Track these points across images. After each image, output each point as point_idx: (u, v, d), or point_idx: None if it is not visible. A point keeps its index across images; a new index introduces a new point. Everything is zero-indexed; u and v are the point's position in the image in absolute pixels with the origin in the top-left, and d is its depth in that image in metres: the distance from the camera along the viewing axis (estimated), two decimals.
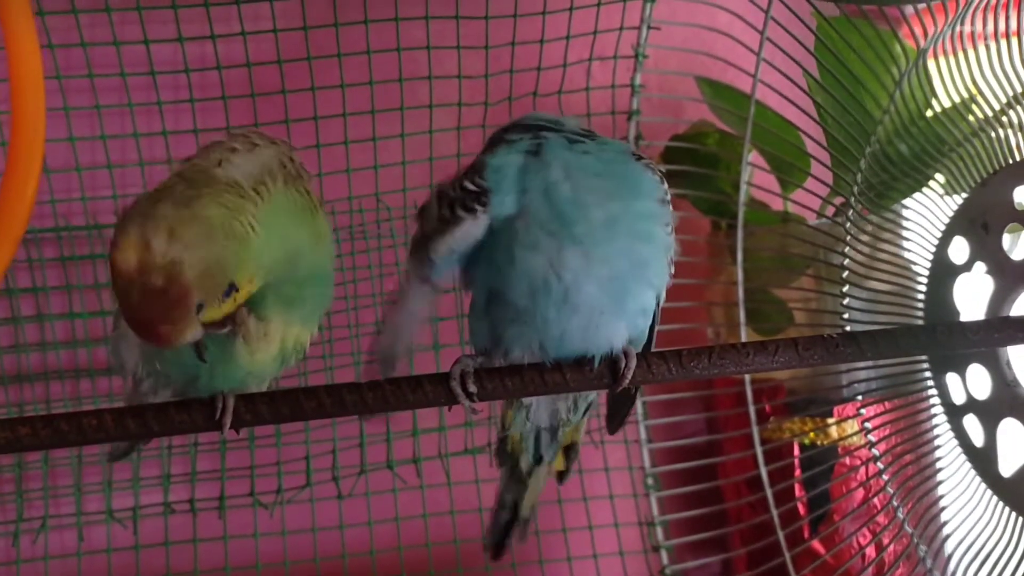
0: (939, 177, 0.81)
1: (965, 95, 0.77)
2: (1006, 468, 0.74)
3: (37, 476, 0.89)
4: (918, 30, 0.78)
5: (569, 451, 0.69)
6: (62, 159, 0.88)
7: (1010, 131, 0.73)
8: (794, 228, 0.96)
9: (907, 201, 0.84)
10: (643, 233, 0.57)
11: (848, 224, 0.86)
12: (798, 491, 0.95)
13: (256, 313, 0.53)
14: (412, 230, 0.97)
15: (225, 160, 0.51)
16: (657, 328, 0.63)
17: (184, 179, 0.48)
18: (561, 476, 0.70)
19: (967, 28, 0.75)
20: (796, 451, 0.96)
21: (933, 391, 0.80)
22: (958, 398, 0.78)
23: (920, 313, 0.81)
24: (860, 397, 0.91)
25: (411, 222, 0.98)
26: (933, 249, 0.80)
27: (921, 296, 0.81)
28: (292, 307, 0.55)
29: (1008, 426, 0.74)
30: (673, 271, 0.62)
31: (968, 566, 0.75)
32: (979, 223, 0.75)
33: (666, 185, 0.60)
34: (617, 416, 0.69)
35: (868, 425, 0.89)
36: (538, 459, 0.66)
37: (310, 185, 0.56)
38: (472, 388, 0.58)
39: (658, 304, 0.61)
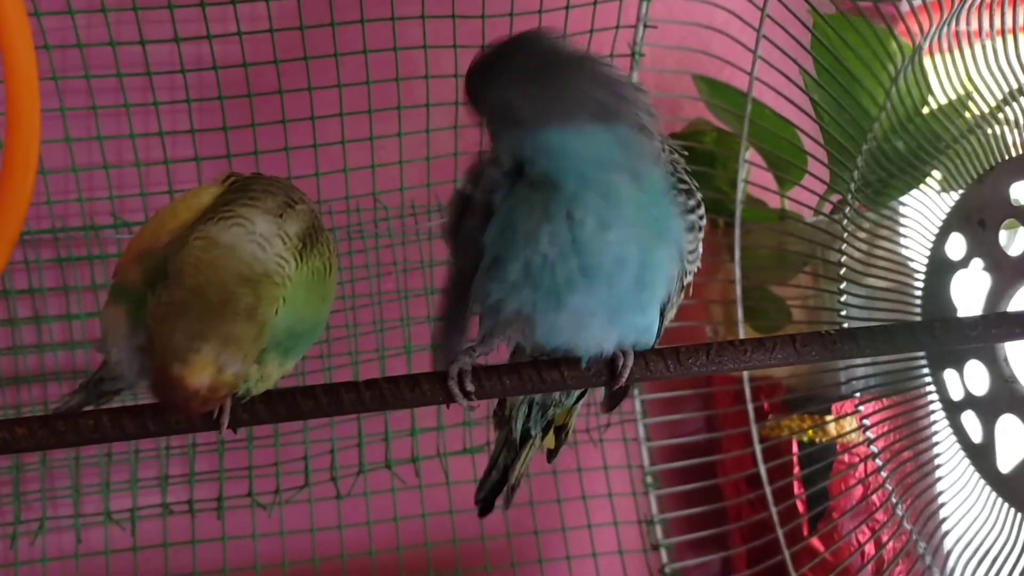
0: (936, 174, 0.81)
1: (961, 92, 0.77)
2: (1004, 464, 0.74)
3: (35, 478, 0.89)
4: (914, 27, 0.78)
5: (560, 431, 0.69)
6: (59, 160, 0.88)
7: (1006, 127, 0.73)
8: (791, 225, 0.96)
9: (904, 198, 0.84)
10: (648, 277, 0.56)
11: (845, 221, 0.87)
12: (797, 489, 0.95)
13: (256, 361, 0.55)
14: (410, 229, 0.98)
15: (286, 214, 0.53)
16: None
17: (244, 278, 0.50)
18: (551, 455, 0.70)
19: (962, 25, 0.75)
20: (795, 448, 0.96)
21: (931, 387, 0.81)
22: (956, 394, 0.78)
23: (918, 310, 0.81)
24: (858, 394, 0.91)
25: (408, 221, 0.98)
26: (930, 246, 0.80)
27: (919, 293, 0.81)
28: (288, 354, 0.57)
29: (1006, 422, 0.74)
30: (688, 293, 0.62)
31: (967, 562, 0.76)
32: (976, 219, 0.75)
33: (699, 212, 0.58)
34: (613, 399, 0.68)
35: (866, 422, 0.89)
36: (526, 432, 0.67)
37: (328, 237, 0.57)
38: (470, 387, 0.58)
39: (663, 321, 0.61)
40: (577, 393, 0.66)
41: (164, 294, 0.49)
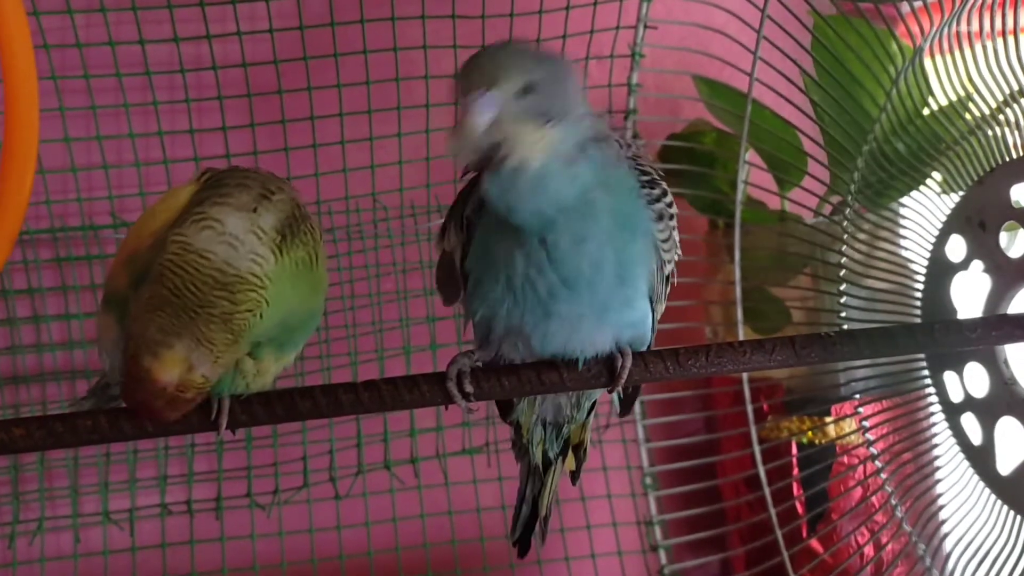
0: (936, 175, 0.81)
1: (961, 93, 0.77)
2: (1004, 466, 0.74)
3: (33, 478, 0.89)
4: (914, 28, 0.78)
5: (578, 451, 0.68)
6: (58, 160, 0.88)
7: (1007, 129, 0.73)
8: (791, 227, 0.96)
9: (904, 199, 0.84)
10: (627, 272, 0.57)
11: (845, 222, 0.87)
12: (796, 490, 0.95)
13: (252, 356, 0.55)
14: (409, 230, 0.98)
15: (261, 208, 0.52)
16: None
17: (220, 284, 0.49)
18: (573, 476, 0.70)
19: (963, 26, 0.75)
20: (794, 450, 0.96)
21: (931, 389, 0.80)
22: (956, 396, 0.78)
23: (918, 311, 0.81)
24: (858, 396, 0.91)
25: (408, 222, 0.98)
26: (930, 247, 0.80)
27: (919, 294, 0.81)
28: (285, 347, 0.57)
29: (1006, 424, 0.74)
30: (673, 284, 0.62)
31: (967, 564, 0.75)
32: (976, 221, 0.75)
33: (667, 200, 0.58)
34: (627, 402, 0.69)
35: (866, 424, 0.89)
36: (545, 456, 0.66)
37: (313, 224, 0.57)
38: (468, 388, 0.58)
39: (654, 315, 0.61)
40: (588, 406, 0.65)
41: (145, 292, 0.49)
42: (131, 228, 0.56)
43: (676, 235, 0.61)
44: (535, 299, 0.56)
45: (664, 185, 0.59)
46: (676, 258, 0.62)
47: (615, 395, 0.66)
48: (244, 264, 0.50)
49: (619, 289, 0.56)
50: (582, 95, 0.56)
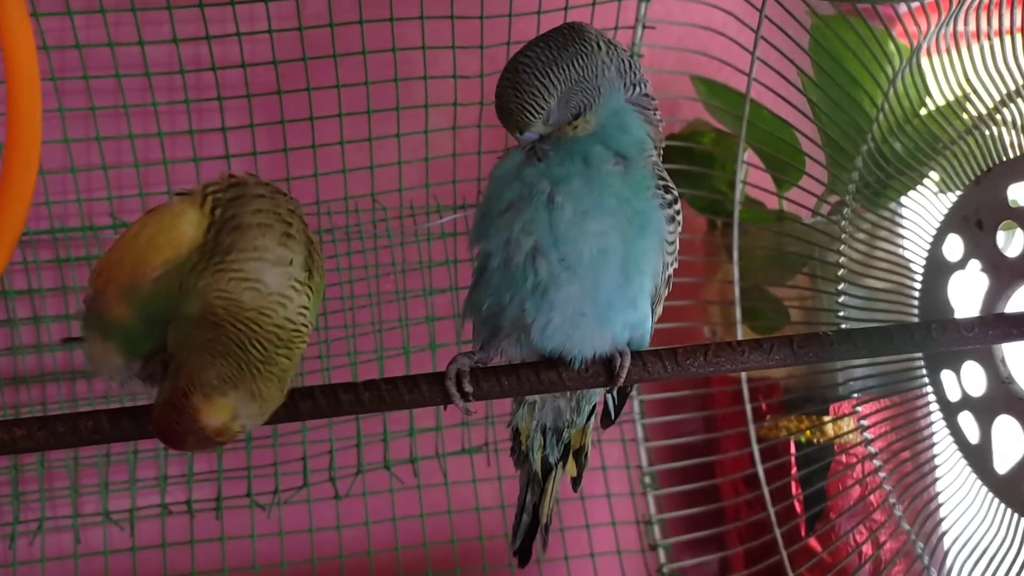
0: (934, 175, 0.81)
1: (959, 93, 0.77)
2: (1001, 465, 0.74)
3: (33, 478, 0.89)
4: (912, 28, 0.78)
5: (579, 456, 0.68)
6: (58, 161, 0.88)
7: (1004, 129, 0.73)
8: (790, 226, 0.96)
9: (902, 199, 0.84)
10: (633, 266, 0.57)
11: (844, 222, 0.87)
12: (794, 489, 0.95)
13: None
14: (408, 230, 0.98)
15: (294, 256, 0.52)
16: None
17: (281, 340, 0.50)
18: (575, 483, 0.69)
19: (960, 26, 0.75)
20: (792, 449, 0.96)
21: (928, 389, 0.81)
22: (953, 395, 0.78)
23: (915, 311, 0.81)
24: (856, 395, 0.91)
25: (407, 222, 0.98)
26: (928, 247, 0.80)
27: (916, 294, 0.81)
28: None
29: (1003, 423, 0.74)
30: (670, 288, 0.63)
31: (964, 562, 0.76)
32: (973, 221, 0.75)
33: (676, 207, 0.60)
34: (618, 404, 0.69)
35: (864, 423, 0.89)
36: (545, 462, 0.66)
37: (317, 244, 0.56)
38: (468, 388, 0.58)
39: (653, 317, 0.61)
40: (588, 410, 0.65)
41: (202, 331, 0.49)
42: (121, 248, 0.53)
43: (678, 241, 0.61)
44: (535, 280, 0.55)
45: (676, 193, 0.60)
46: (676, 261, 0.62)
47: (609, 398, 0.66)
48: (296, 318, 0.51)
49: (624, 286, 0.57)
50: (613, 66, 0.58)
